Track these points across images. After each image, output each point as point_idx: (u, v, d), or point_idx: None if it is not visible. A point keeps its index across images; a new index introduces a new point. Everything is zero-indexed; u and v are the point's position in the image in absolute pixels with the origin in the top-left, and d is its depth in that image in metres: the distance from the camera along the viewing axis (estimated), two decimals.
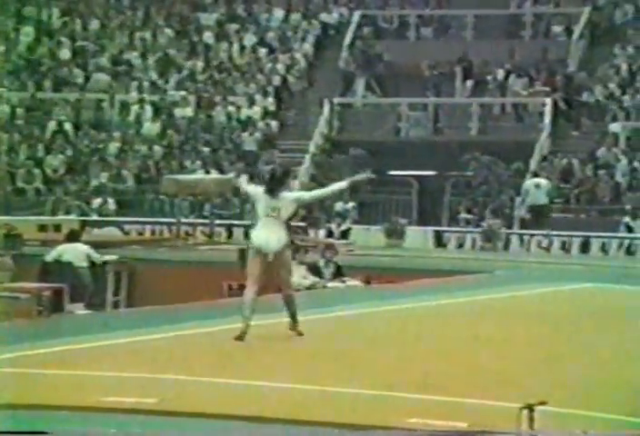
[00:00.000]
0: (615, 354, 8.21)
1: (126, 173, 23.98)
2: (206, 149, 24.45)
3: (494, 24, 25.92)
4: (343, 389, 6.61)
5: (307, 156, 24.17)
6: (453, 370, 7.47)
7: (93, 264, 14.85)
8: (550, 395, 5.89)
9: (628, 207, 20.69)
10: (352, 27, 26.54)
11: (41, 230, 20.41)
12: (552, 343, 8.79)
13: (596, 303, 11.72)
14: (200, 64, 26.50)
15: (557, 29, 25.51)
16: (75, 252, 14.60)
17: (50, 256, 14.63)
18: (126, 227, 21.88)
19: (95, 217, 22.52)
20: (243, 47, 26.75)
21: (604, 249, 19.63)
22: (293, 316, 8.85)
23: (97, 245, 15.81)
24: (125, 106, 25.74)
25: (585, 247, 19.78)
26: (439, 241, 20.92)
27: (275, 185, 8.61)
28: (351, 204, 21.90)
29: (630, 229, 19.88)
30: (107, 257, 15.66)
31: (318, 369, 7.41)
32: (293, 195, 8.76)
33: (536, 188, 21.23)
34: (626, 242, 19.48)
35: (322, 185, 22.59)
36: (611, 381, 7.14)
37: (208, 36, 27.07)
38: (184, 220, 21.35)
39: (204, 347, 8.40)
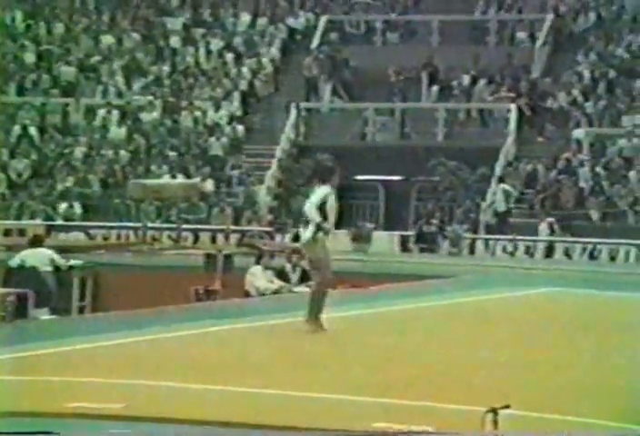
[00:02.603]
0: (580, 358, 8.29)
1: (92, 177, 23.86)
2: (173, 153, 24.39)
3: (459, 30, 26.10)
4: (307, 393, 6.63)
5: (274, 161, 24.19)
6: (416, 374, 7.50)
7: (58, 269, 14.75)
8: (513, 399, 5.94)
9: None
10: (318, 32, 26.60)
11: (6, 235, 20.24)
12: (516, 347, 8.87)
13: (560, 307, 11.83)
14: (166, 69, 26.44)
15: (521, 35, 25.74)
16: (39, 257, 14.49)
17: (14, 261, 14.51)
18: (92, 232, 21.77)
19: (60, 222, 22.38)
20: (209, 52, 26.71)
21: (567, 253, 19.82)
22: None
23: (63, 250, 15.70)
24: (91, 111, 25.61)
25: (549, 251, 19.98)
26: (405, 245, 21.02)
27: (314, 178, 9.50)
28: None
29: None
30: (73, 262, 15.56)
31: (283, 373, 7.43)
32: (323, 190, 9.14)
33: (502, 194, 21.42)
34: (589, 246, 19.70)
35: (288, 190, 22.98)
36: (575, 384, 7.22)
37: (174, 41, 27.01)
38: (150, 224, 21.29)
39: (170, 352, 8.39)
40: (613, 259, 19.51)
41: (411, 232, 21.48)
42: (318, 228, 9.02)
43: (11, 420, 5.92)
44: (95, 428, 5.82)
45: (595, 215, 21.17)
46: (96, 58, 26.68)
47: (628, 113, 23.14)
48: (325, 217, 9.07)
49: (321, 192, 9.13)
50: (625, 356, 8.47)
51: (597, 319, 10.76)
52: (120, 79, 26.32)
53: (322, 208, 9.08)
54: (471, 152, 22.53)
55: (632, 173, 21.54)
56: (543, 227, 20.52)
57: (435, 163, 22.45)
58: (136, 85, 26.18)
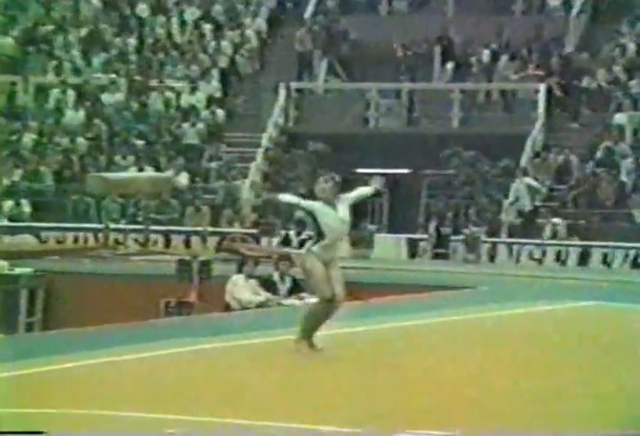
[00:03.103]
0: (618, 389, 8.29)
1: (44, 169, 23.86)
2: (140, 142, 24.41)
3: None
4: (292, 424, 6.66)
5: (260, 151, 24.21)
6: (421, 400, 7.53)
7: (1, 279, 14.75)
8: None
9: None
10: None
11: None
12: (539, 371, 8.89)
13: (597, 325, 11.84)
14: (132, 42, 26.44)
15: (554, 3, 25.78)
16: None
17: None
18: (44, 234, 21.77)
19: (5, 222, 22.37)
20: (183, 22, 26.74)
21: (606, 261, 19.85)
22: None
23: (8, 256, 15.71)
24: (41, 91, 25.60)
25: (584, 258, 20.00)
26: (414, 251, 21.06)
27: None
28: None
29: None
30: (20, 270, 15.57)
31: (263, 401, 7.45)
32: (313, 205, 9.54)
33: (526, 190, 21.47)
34: (632, 252, 19.72)
35: (276, 185, 23.02)
36: (607, 418, 7.24)
37: (142, 9, 27.02)
38: (113, 226, 21.30)
39: (133, 377, 8.39)
40: None
41: (420, 236, 21.51)
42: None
43: None
44: None
45: (638, 216, 21.20)
46: (48, 28, 26.66)
47: None
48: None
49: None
50: None
51: (630, 338, 10.77)
52: (77, 53, 26.31)
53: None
54: (492, 140, 22.56)
55: None
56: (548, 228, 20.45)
57: (448, 153, 22.49)
58: (96, 61, 26.19)
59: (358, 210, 26.23)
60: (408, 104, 24.53)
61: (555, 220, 20.74)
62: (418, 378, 8.58)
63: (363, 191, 10.10)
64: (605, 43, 24.59)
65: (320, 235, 9.29)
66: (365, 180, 24.95)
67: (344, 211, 9.54)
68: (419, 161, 23.07)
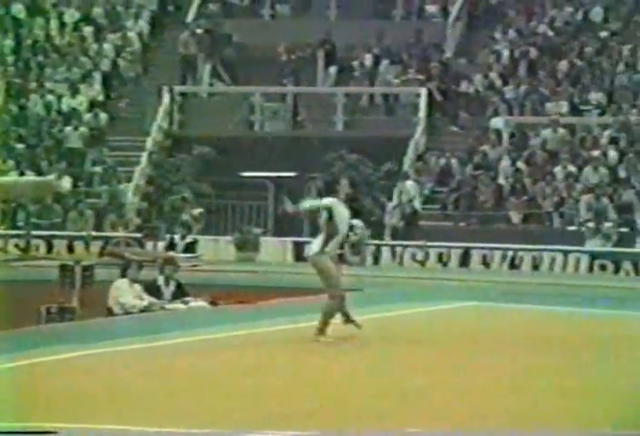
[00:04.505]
0: (496, 384, 8.40)
1: None
2: (20, 146, 23.91)
3: (360, 2, 26.32)
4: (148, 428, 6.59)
5: (144, 155, 23.94)
6: (303, 402, 7.51)
7: None
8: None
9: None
10: (195, 3, 26.45)
11: None
12: (420, 370, 8.95)
13: (478, 325, 11.99)
14: (9, 43, 25.87)
15: (432, 9, 26.10)
16: None
17: None
18: None
19: None
20: (63, 24, 26.27)
21: (485, 262, 20.14)
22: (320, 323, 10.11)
23: None
24: None
25: (464, 260, 20.25)
26: (299, 254, 21.04)
27: (322, 194, 10.63)
28: (198, 211, 21.78)
29: None
30: None
31: (140, 405, 7.34)
32: (325, 201, 10.16)
33: (408, 193, 21.66)
34: (510, 253, 20.04)
35: (161, 189, 22.77)
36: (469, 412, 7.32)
37: (18, 9, 26.45)
38: None
39: (4, 385, 8.16)
40: (536, 267, 19.89)
41: (306, 239, 21.50)
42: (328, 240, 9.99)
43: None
44: None
45: (515, 217, 21.57)
46: None
47: (553, 100, 23.68)
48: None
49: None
50: (551, 377, 8.63)
51: (515, 336, 10.94)
52: None
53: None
54: (375, 143, 22.71)
55: (557, 169, 22.02)
56: None
57: (333, 156, 22.54)
58: None
59: (244, 213, 25.79)
60: (293, 107, 24.55)
61: (355, 221, 21.08)
62: (291, 379, 8.55)
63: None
64: (481, 49, 25.01)
65: (331, 234, 9.93)
66: (249, 183, 24.92)
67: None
68: (304, 164, 23.08)
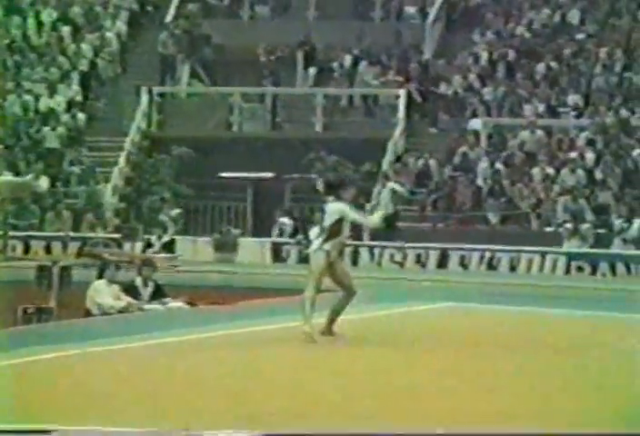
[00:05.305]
0: (471, 385, 8.43)
1: None
2: None
3: (339, 3, 26.36)
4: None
5: (122, 155, 23.88)
6: (281, 402, 7.53)
7: None
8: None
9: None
10: (174, 3, 26.42)
11: None
12: (392, 369, 8.98)
13: (455, 325, 12.03)
14: None
15: (411, 10, 26.16)
16: None
17: None
18: None
19: None
20: (40, 24, 26.17)
21: (463, 263, 20.20)
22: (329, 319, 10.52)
23: None
24: None
25: (443, 261, 20.31)
26: (278, 254, 21.06)
27: (326, 194, 10.93)
28: (176, 211, 21.76)
29: None
30: None
31: (118, 405, 7.34)
32: (337, 206, 10.52)
33: (390, 194, 21.70)
34: (487, 254, 20.12)
35: (139, 190, 22.71)
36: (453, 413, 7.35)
37: None
38: None
39: None
40: (513, 269, 19.97)
41: (284, 239, 21.52)
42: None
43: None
44: None
45: (493, 218, 21.65)
46: None
47: (531, 101, 23.78)
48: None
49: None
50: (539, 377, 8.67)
51: (493, 337, 10.98)
52: None
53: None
54: (354, 145, 22.74)
55: (535, 171, 22.11)
56: None
57: (311, 157, 22.55)
58: None
59: (222, 213, 25.67)
60: (272, 108, 24.55)
61: (283, 220, 21.22)
62: (270, 379, 8.56)
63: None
64: (460, 51, 25.09)
65: (334, 234, 10.34)
66: (228, 184, 24.87)
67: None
68: (283, 165, 23.10)
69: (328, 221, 10.53)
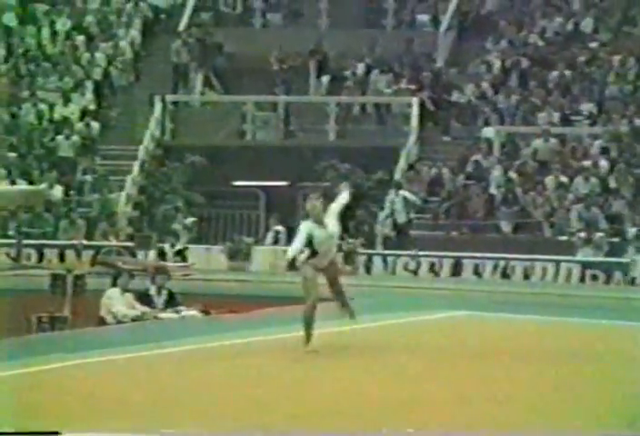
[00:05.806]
0: (484, 394, 8.41)
1: None
2: (12, 154, 23.88)
3: (351, 11, 26.38)
4: None
5: (135, 164, 23.93)
6: (299, 410, 7.53)
7: None
8: None
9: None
10: (187, 11, 26.49)
11: None
12: (409, 380, 8.97)
13: (469, 334, 12.02)
14: (1, 52, 25.87)
15: (423, 18, 26.18)
16: None
17: None
18: None
19: None
20: (55, 33, 26.27)
21: (477, 271, 20.17)
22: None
23: None
24: None
25: (456, 269, 20.28)
26: (292, 263, 21.04)
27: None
28: (190, 220, 21.81)
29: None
30: None
31: (133, 413, 7.35)
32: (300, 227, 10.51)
33: (402, 202, 21.68)
34: (501, 263, 20.09)
35: (152, 198, 22.76)
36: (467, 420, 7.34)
37: (9, 18, 26.46)
38: None
39: None
40: (527, 277, 19.93)
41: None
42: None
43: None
44: None
45: (506, 227, 21.62)
46: None
47: (544, 110, 23.76)
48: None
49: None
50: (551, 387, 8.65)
51: (506, 346, 10.96)
52: None
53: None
54: (366, 153, 22.75)
55: (548, 179, 22.08)
56: None
57: (324, 165, 22.58)
58: None
59: (235, 222, 25.74)
60: (284, 116, 24.57)
61: (277, 227, 21.36)
62: (284, 388, 8.56)
63: (342, 200, 11.14)
64: (472, 59, 25.09)
65: (314, 250, 10.41)
66: (241, 192, 24.88)
67: (332, 223, 10.61)
68: (296, 173, 23.12)
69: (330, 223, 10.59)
